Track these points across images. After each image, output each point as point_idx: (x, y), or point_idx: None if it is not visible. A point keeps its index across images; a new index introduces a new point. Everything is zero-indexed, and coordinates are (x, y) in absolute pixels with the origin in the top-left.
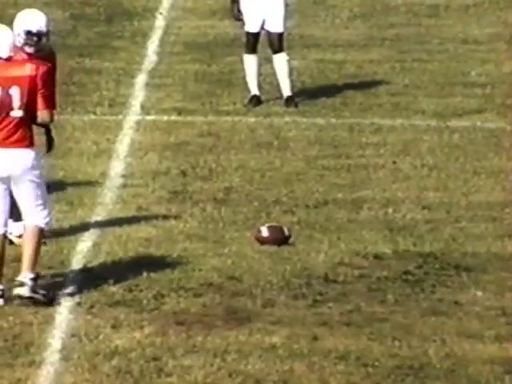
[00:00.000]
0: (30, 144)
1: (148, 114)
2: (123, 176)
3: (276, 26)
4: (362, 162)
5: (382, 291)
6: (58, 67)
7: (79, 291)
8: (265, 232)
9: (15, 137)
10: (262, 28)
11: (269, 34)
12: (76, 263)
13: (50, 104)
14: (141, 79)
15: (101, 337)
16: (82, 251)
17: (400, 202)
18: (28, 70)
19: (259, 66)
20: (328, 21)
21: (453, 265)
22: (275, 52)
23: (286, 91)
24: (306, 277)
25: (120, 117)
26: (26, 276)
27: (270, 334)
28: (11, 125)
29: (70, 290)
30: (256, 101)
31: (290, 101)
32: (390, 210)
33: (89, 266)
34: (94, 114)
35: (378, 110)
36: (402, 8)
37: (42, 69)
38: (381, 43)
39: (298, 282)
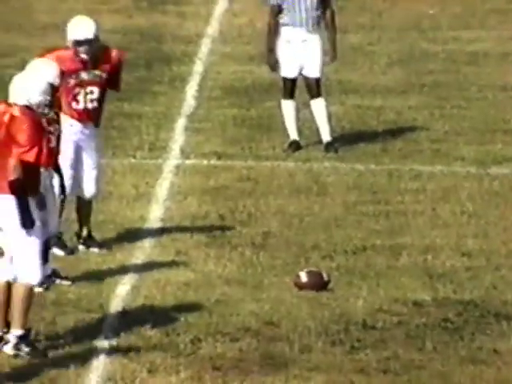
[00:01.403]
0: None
1: (187, 158)
2: (162, 220)
3: (313, 71)
4: (401, 209)
5: (421, 338)
6: None
7: (116, 335)
8: (303, 277)
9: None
10: (300, 73)
11: (306, 79)
12: (114, 307)
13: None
14: (180, 123)
15: (137, 381)
16: (120, 295)
17: (439, 248)
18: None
19: (297, 111)
20: (366, 67)
21: (493, 313)
22: (313, 97)
23: (326, 136)
24: (344, 323)
25: (160, 161)
26: (13, 333)
27: (307, 381)
28: None
29: (107, 333)
30: (295, 146)
31: (329, 146)
32: (430, 257)
33: (127, 309)
34: (134, 157)
35: (417, 156)
36: (440, 55)
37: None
38: (419, 89)
39: (335, 328)
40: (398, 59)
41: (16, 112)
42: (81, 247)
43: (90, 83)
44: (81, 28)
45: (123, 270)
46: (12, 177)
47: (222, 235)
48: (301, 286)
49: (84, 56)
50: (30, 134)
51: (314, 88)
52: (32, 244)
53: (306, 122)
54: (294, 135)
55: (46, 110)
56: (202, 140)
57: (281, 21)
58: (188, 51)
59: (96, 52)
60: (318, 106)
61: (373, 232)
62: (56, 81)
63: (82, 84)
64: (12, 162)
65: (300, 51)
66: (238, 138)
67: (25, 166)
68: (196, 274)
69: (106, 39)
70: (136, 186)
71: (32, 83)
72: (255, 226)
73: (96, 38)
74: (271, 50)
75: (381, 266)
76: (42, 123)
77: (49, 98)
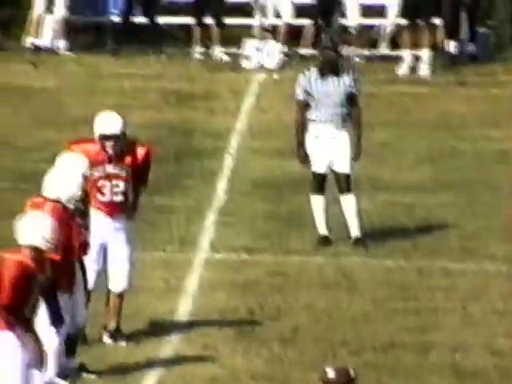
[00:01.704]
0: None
1: (217, 251)
2: (191, 314)
3: (343, 166)
4: (431, 306)
5: None
6: None
7: None
8: (331, 373)
9: None
10: (330, 169)
11: (336, 174)
12: None
13: None
14: (210, 217)
15: None
16: None
17: (469, 347)
18: None
19: (327, 206)
20: (395, 163)
21: None
22: (343, 192)
23: (355, 232)
24: None
25: (189, 254)
26: None
27: None
28: None
29: None
30: (324, 241)
31: (358, 242)
32: (459, 356)
33: None
34: (164, 251)
35: (447, 253)
36: (469, 152)
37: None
38: (449, 187)
39: None
40: (427, 156)
41: (46, 210)
42: (108, 340)
43: (116, 177)
44: (108, 123)
45: (150, 363)
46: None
47: (251, 329)
48: (328, 382)
49: (110, 150)
50: (60, 231)
51: (344, 183)
52: (53, 340)
53: (335, 216)
54: (323, 230)
55: (77, 204)
56: (232, 234)
57: (309, 117)
58: (218, 146)
59: (122, 147)
60: (348, 202)
61: (402, 329)
62: (85, 175)
63: (107, 177)
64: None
65: (329, 147)
66: (268, 233)
67: (55, 263)
68: (223, 369)
69: (135, 134)
70: (166, 279)
71: (61, 178)
72: (284, 321)
73: (122, 134)
74: (300, 144)
75: (409, 364)
76: (72, 217)
77: (79, 191)
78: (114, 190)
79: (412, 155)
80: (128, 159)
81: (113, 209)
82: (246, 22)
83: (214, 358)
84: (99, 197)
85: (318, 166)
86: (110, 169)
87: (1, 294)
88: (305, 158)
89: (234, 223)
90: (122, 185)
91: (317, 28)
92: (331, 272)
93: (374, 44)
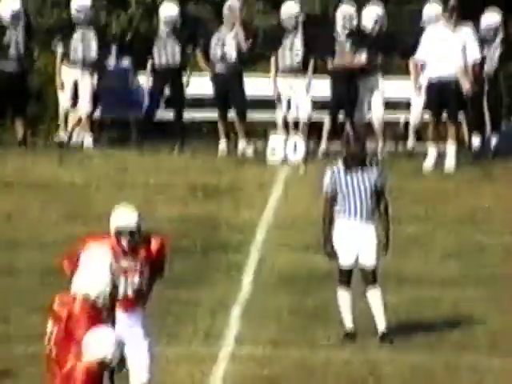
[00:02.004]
0: None
1: (242, 345)
2: None
3: (369, 260)
4: None
5: None
6: (155, 299)
7: None
8: None
9: None
10: (356, 262)
11: (362, 268)
12: None
13: None
14: (236, 311)
15: None
16: None
17: None
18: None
19: (353, 300)
20: (422, 258)
21: None
22: (368, 286)
23: (381, 327)
24: None
25: (215, 348)
26: None
27: None
28: None
29: None
30: (350, 335)
31: (384, 337)
32: None
33: None
34: (189, 345)
35: (474, 348)
36: (496, 247)
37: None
38: (476, 281)
39: None
40: (453, 251)
41: (75, 308)
42: None
43: (131, 271)
44: (123, 217)
45: None
46: None
47: None
48: None
49: (125, 244)
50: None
51: (370, 277)
52: None
53: (361, 311)
54: (349, 324)
55: (106, 301)
56: (257, 328)
57: (336, 210)
58: (243, 239)
59: (137, 241)
60: (374, 296)
61: None
62: (112, 268)
63: (122, 272)
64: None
65: (355, 241)
66: (294, 327)
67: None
68: None
69: (162, 227)
70: (191, 374)
71: (89, 274)
72: None
73: (138, 228)
74: (328, 238)
75: None
76: (101, 316)
77: (107, 287)
78: (129, 284)
79: (439, 249)
80: (143, 252)
81: (128, 304)
82: (270, 116)
83: None
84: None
85: (345, 260)
86: (125, 263)
87: None
88: (332, 253)
89: (259, 317)
90: (136, 279)
91: (334, 122)
92: (358, 367)
93: (399, 138)
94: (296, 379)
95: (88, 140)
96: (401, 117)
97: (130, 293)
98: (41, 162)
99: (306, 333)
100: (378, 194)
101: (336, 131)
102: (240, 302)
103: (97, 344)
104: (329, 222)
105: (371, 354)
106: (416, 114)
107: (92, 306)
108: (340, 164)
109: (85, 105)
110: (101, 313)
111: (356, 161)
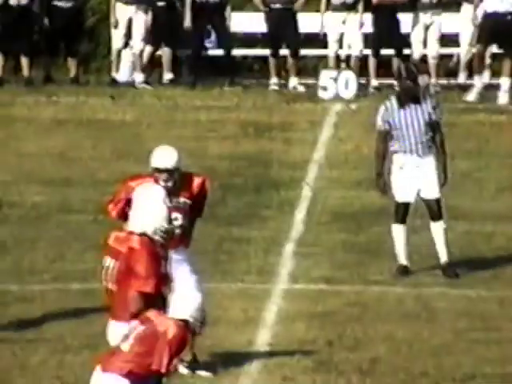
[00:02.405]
0: None
1: (296, 282)
2: (270, 344)
3: (432, 192)
4: None
5: None
6: (208, 237)
7: None
8: None
9: None
10: (415, 199)
11: (426, 202)
12: None
13: None
14: (288, 248)
15: None
16: None
17: None
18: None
19: (408, 236)
20: (475, 192)
21: None
22: (434, 219)
23: (445, 259)
24: None
25: (268, 285)
26: None
27: None
28: None
29: None
30: (404, 271)
31: (448, 269)
32: None
33: None
34: (243, 282)
35: None
36: None
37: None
38: None
39: None
40: (507, 185)
41: (134, 243)
42: (185, 371)
43: (174, 210)
44: (162, 157)
45: None
46: (132, 309)
47: (329, 360)
48: None
49: (163, 184)
50: (148, 266)
51: (435, 209)
52: None
53: (415, 247)
54: (402, 260)
55: (163, 236)
56: (311, 265)
57: (391, 148)
58: (295, 176)
59: (177, 180)
60: (438, 229)
61: (483, 360)
62: (167, 204)
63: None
64: (131, 293)
65: (414, 177)
66: (347, 263)
67: (143, 296)
68: None
69: (213, 165)
70: (244, 310)
71: (144, 211)
72: (363, 352)
73: (177, 169)
74: (380, 174)
75: None
76: (159, 251)
77: (163, 222)
78: (173, 223)
79: (492, 184)
80: (184, 191)
81: (173, 242)
82: (322, 52)
83: None
84: None
85: (403, 196)
86: (169, 202)
87: None
88: (384, 189)
89: (312, 254)
90: (180, 217)
91: (377, 57)
92: (411, 302)
93: (451, 73)
94: (349, 315)
95: (139, 78)
96: (454, 51)
97: (176, 231)
98: (93, 100)
99: (359, 269)
100: (434, 128)
101: (384, 67)
102: (292, 239)
103: None
104: (382, 157)
105: (424, 290)
106: (468, 48)
107: (150, 242)
108: (394, 100)
109: (138, 42)
110: (159, 249)
111: (409, 96)
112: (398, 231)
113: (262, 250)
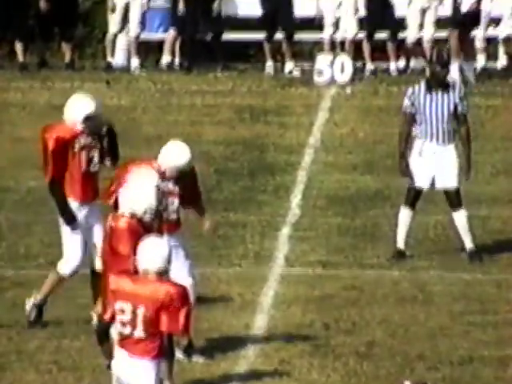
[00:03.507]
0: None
1: (292, 266)
2: (267, 328)
3: (449, 181)
4: (509, 319)
5: None
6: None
7: None
8: None
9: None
10: (429, 185)
11: (445, 190)
12: None
13: None
14: (285, 232)
15: None
16: None
17: None
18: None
19: (412, 222)
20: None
21: None
22: (454, 208)
23: (470, 245)
24: None
25: (265, 269)
26: None
27: None
28: None
29: None
30: (400, 255)
31: (474, 255)
32: None
33: None
34: (239, 266)
35: None
36: None
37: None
38: None
39: None
40: (502, 169)
41: (121, 223)
42: (181, 356)
43: (171, 194)
44: (182, 160)
45: (226, 379)
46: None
47: (326, 344)
48: None
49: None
50: (132, 247)
51: (454, 198)
52: None
53: (412, 231)
54: (400, 244)
55: (153, 217)
56: (307, 249)
57: (413, 133)
58: (291, 161)
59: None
60: (461, 217)
61: (480, 343)
62: (158, 186)
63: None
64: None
65: (431, 164)
66: (343, 247)
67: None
68: None
69: (209, 150)
70: (241, 294)
71: (134, 192)
72: (359, 335)
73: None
74: (402, 156)
75: (488, 379)
76: (148, 232)
77: (153, 203)
78: (170, 207)
79: (487, 168)
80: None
81: (169, 226)
82: (317, 36)
83: (289, 372)
84: None
85: (418, 181)
86: (166, 186)
87: None
88: (406, 171)
89: (308, 238)
90: (177, 202)
91: (370, 40)
92: (407, 286)
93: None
94: (345, 299)
95: (135, 63)
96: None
97: (172, 216)
98: (88, 85)
99: (355, 253)
100: (460, 118)
101: (379, 50)
102: (289, 223)
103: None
104: (405, 140)
105: (420, 273)
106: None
107: (138, 222)
108: (423, 83)
109: (134, 27)
110: (148, 229)
111: (437, 81)
112: (404, 215)
113: (258, 235)
